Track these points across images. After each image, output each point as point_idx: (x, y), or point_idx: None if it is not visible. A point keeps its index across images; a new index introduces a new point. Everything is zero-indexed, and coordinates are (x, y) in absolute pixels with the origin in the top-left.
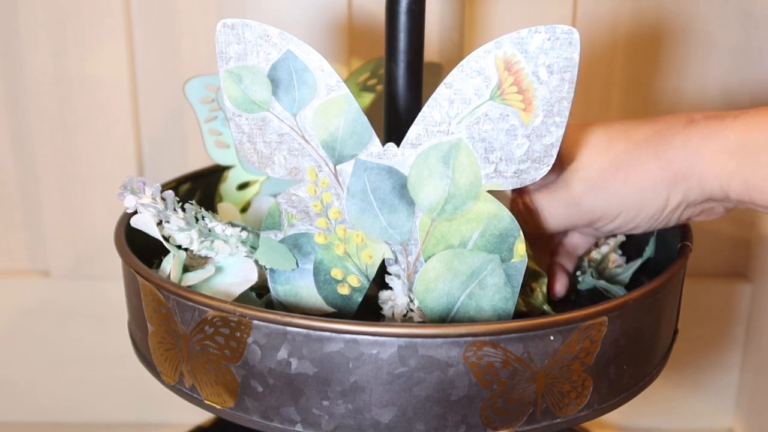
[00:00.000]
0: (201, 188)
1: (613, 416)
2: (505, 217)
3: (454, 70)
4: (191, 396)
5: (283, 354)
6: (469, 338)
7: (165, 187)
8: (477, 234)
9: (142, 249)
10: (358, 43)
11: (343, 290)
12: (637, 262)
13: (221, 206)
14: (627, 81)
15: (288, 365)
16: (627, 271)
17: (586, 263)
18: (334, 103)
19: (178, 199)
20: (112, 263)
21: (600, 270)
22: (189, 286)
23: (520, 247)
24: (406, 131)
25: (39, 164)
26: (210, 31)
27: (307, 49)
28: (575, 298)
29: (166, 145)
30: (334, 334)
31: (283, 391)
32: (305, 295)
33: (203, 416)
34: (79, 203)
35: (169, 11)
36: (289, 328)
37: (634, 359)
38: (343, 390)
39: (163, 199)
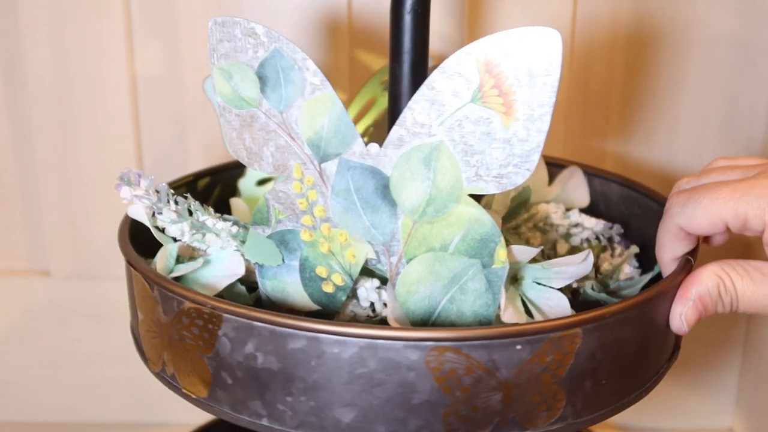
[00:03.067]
0: (221, 183)
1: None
2: (486, 222)
3: (436, 72)
4: (172, 384)
5: (250, 348)
6: (431, 343)
7: (183, 180)
8: (458, 238)
9: (151, 243)
10: (359, 42)
11: (328, 288)
12: (647, 277)
13: (233, 201)
14: (627, 81)
15: (255, 359)
16: (635, 285)
17: (592, 273)
18: (319, 101)
19: (187, 195)
20: (113, 263)
21: (606, 282)
22: (178, 278)
23: (501, 253)
24: None
25: (39, 164)
26: None
27: (292, 47)
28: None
29: (166, 145)
30: (297, 331)
31: (251, 384)
32: (292, 292)
33: (203, 417)
34: (79, 203)
35: (169, 11)
36: (255, 323)
37: (615, 374)
38: (305, 387)
39: (157, 191)
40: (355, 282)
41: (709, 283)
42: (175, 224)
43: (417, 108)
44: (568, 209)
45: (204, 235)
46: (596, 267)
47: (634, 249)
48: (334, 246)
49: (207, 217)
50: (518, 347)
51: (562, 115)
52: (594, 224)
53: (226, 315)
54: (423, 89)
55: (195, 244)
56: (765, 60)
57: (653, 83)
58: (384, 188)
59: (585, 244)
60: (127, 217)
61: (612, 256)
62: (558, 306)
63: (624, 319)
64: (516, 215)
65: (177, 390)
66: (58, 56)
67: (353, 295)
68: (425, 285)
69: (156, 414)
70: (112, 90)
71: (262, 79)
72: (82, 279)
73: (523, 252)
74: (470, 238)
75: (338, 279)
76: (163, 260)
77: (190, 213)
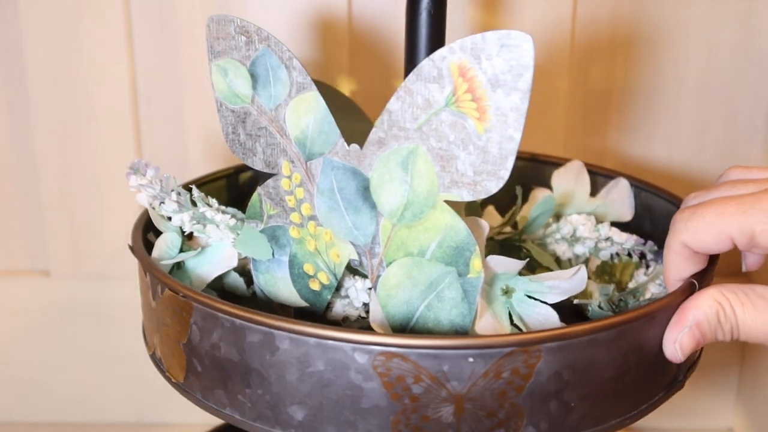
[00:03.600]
0: (264, 177)
1: None
2: (462, 230)
3: (412, 74)
4: (159, 366)
5: (215, 338)
6: (378, 347)
7: (223, 173)
8: (435, 244)
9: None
10: (358, 41)
11: (315, 286)
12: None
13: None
14: (627, 81)
15: (219, 349)
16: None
17: (611, 291)
18: (305, 100)
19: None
20: (113, 263)
21: (627, 300)
22: (180, 266)
23: (476, 263)
24: None
25: (39, 164)
26: None
27: (280, 46)
28: None
29: (166, 145)
30: (253, 325)
31: (215, 373)
32: (282, 287)
33: (204, 417)
34: (79, 203)
35: (169, 11)
36: (218, 314)
37: (588, 398)
38: (261, 381)
39: (161, 181)
40: (341, 282)
41: (707, 309)
42: (177, 214)
43: (394, 110)
44: (599, 221)
45: (204, 225)
46: (621, 284)
47: (662, 268)
48: (319, 244)
49: (206, 208)
50: (470, 360)
51: (562, 114)
52: (624, 239)
53: (195, 304)
54: (400, 91)
55: (196, 234)
56: (765, 60)
57: (653, 83)
58: (365, 190)
59: (616, 260)
60: (144, 211)
61: (647, 274)
62: (547, 321)
63: (596, 340)
64: (539, 226)
65: (162, 372)
66: (58, 56)
67: (346, 295)
68: (404, 290)
69: (156, 414)
70: (112, 90)
71: (253, 77)
72: (82, 279)
73: (504, 263)
74: (446, 245)
75: (324, 277)
76: (160, 247)
77: (195, 204)
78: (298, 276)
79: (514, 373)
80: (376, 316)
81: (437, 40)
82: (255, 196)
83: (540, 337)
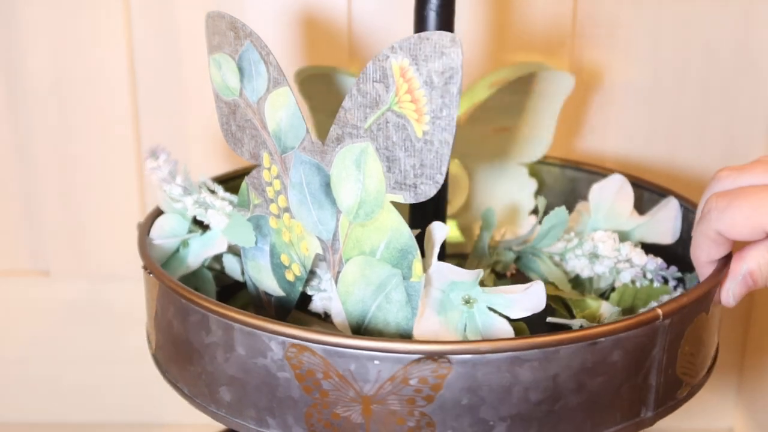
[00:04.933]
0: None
1: None
2: (405, 233)
3: (362, 73)
4: (149, 341)
5: (170, 314)
6: (290, 339)
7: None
8: (383, 245)
9: None
10: (358, 41)
11: (290, 276)
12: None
13: None
14: (627, 81)
15: (172, 326)
16: None
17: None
18: (279, 95)
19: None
20: (113, 263)
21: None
22: (180, 247)
23: (417, 267)
24: None
25: (39, 164)
26: None
27: (260, 42)
28: None
29: (166, 145)
30: (192, 305)
31: (170, 348)
32: (264, 275)
33: (204, 417)
34: (79, 203)
35: (169, 11)
36: (172, 293)
37: (511, 420)
38: (200, 360)
39: (169, 167)
40: (319, 274)
41: (760, 258)
42: (182, 197)
43: (348, 108)
44: (640, 242)
45: (206, 210)
46: (632, 307)
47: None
48: (293, 236)
49: (207, 194)
50: (376, 362)
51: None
52: (644, 262)
53: (159, 282)
54: (353, 89)
55: (199, 218)
56: (765, 60)
57: (653, 83)
58: (327, 185)
59: (639, 284)
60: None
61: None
62: (499, 336)
63: (518, 359)
64: (554, 238)
65: (149, 346)
66: (58, 56)
67: (324, 288)
68: (359, 288)
69: (156, 414)
70: (112, 89)
71: (240, 71)
72: (82, 279)
73: (451, 272)
74: (392, 246)
75: (296, 269)
76: (161, 226)
77: (212, 192)
78: (276, 266)
79: (423, 381)
80: (336, 312)
81: None
82: (243, 184)
83: (448, 349)
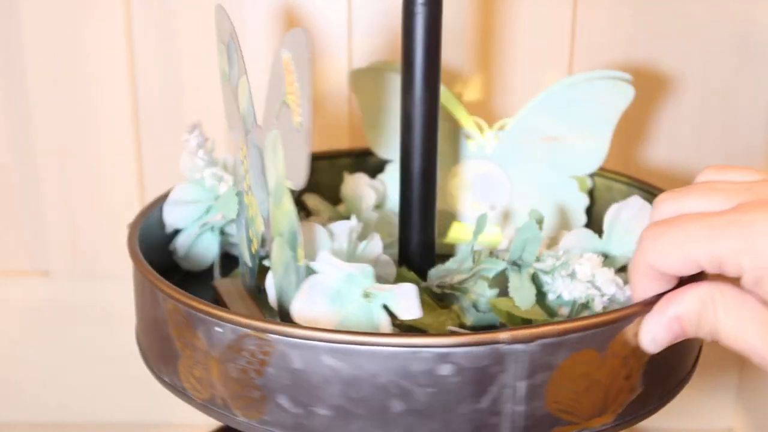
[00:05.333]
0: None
1: None
2: (294, 220)
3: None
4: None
5: (150, 298)
6: (167, 298)
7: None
8: (287, 228)
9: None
10: (358, 40)
11: (253, 250)
12: None
13: (306, 197)
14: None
15: (153, 310)
16: None
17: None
18: (243, 84)
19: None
20: (113, 263)
21: None
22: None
23: (300, 253)
24: None
25: (39, 164)
26: (210, 31)
27: (235, 34)
28: None
29: (166, 145)
30: (157, 291)
31: (152, 332)
32: (242, 246)
33: (204, 417)
34: (79, 203)
35: (170, 11)
36: (148, 279)
37: (331, 409)
38: (170, 345)
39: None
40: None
41: (690, 305)
42: (202, 169)
43: (270, 96)
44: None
45: (219, 182)
46: None
47: None
48: (253, 213)
49: (222, 172)
50: (217, 329)
51: None
52: (613, 291)
53: (136, 270)
54: (272, 78)
55: (215, 188)
56: (765, 59)
57: (653, 83)
58: (263, 168)
59: None
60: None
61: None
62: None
63: (335, 350)
64: (530, 254)
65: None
66: (58, 56)
67: None
68: (279, 267)
69: (157, 414)
70: (112, 90)
71: (229, 59)
72: (82, 279)
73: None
74: (290, 231)
75: (256, 244)
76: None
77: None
78: (248, 239)
79: (252, 355)
80: (268, 287)
81: (433, 39)
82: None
83: (270, 327)
